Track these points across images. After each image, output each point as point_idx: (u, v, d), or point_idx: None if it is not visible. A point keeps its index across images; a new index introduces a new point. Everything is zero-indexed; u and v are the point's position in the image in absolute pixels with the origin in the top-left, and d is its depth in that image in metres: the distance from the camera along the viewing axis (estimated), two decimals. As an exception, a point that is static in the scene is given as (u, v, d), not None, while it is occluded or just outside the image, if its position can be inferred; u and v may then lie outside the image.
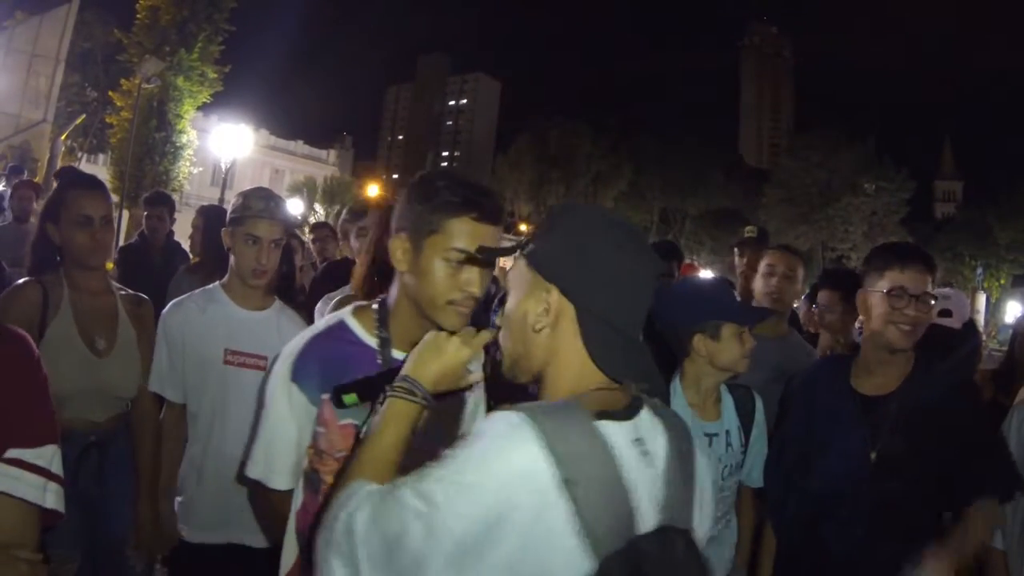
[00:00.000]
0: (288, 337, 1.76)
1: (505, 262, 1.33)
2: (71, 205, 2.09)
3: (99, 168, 22.13)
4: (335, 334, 1.43)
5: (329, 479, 1.39)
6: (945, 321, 2.69)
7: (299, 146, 41.68)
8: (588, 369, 1.01)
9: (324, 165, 41.70)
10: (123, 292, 2.28)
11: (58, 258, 2.15)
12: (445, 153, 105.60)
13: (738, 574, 2.11)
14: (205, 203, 4.89)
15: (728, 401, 2.08)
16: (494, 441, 0.89)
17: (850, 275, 3.21)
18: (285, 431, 1.39)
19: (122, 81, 18.86)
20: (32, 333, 1.97)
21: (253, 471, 1.43)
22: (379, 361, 1.40)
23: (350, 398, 1.25)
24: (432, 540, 0.85)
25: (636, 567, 0.89)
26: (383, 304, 1.45)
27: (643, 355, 1.05)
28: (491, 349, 1.24)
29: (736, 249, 3.70)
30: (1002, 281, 41.03)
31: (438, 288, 1.31)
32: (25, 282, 2.11)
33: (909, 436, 1.85)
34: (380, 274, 1.94)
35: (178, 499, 2.14)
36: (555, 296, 1.02)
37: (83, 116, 23.58)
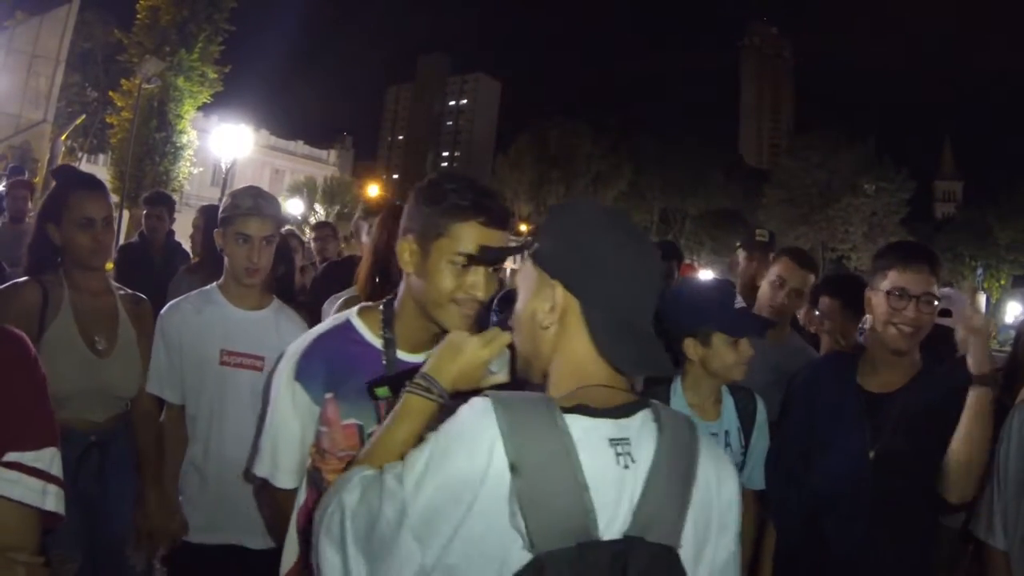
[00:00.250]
0: (287, 337, 1.76)
1: (510, 263, 1.33)
2: (73, 206, 2.09)
3: (99, 168, 22.12)
4: (340, 334, 1.44)
5: (331, 478, 1.38)
6: (945, 321, 2.68)
7: (299, 146, 41.69)
8: (591, 365, 1.01)
9: (324, 165, 41.70)
10: (122, 292, 2.28)
11: (58, 259, 2.14)
12: (445, 153, 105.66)
13: None
14: (205, 203, 4.88)
15: (729, 402, 2.08)
16: (461, 424, 0.93)
17: (850, 282, 3.19)
18: (289, 430, 1.40)
19: (122, 81, 18.87)
20: (31, 333, 1.97)
21: (260, 469, 1.44)
22: (384, 362, 1.41)
23: (382, 391, 1.28)
24: (402, 517, 0.90)
25: (582, 572, 0.86)
26: (389, 305, 1.46)
27: (652, 343, 1.05)
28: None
29: (743, 250, 3.61)
30: (1002, 281, 41.04)
31: (443, 290, 1.32)
32: (23, 282, 2.11)
33: (909, 435, 1.85)
34: (381, 275, 1.94)
35: (179, 498, 2.13)
36: (560, 292, 1.02)
37: (83, 116, 23.59)
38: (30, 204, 5.72)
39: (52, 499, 1.08)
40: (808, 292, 2.69)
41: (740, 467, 2.06)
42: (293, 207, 31.70)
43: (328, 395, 1.37)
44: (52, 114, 19.53)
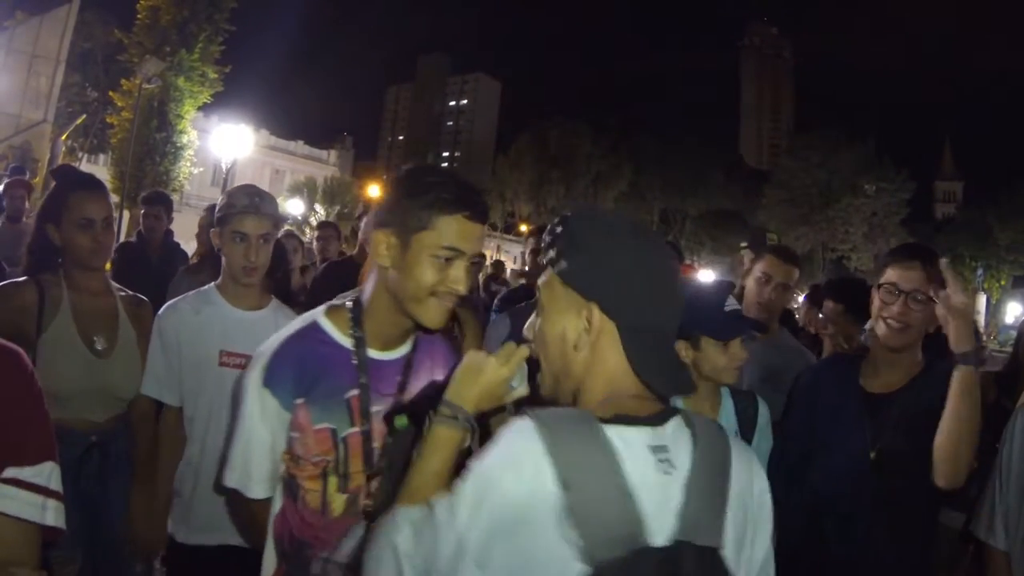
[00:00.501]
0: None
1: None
2: (73, 207, 2.08)
3: (100, 168, 22.13)
4: (308, 335, 1.40)
5: (307, 484, 1.38)
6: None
7: (299, 146, 41.70)
8: (622, 379, 1.02)
9: (324, 165, 41.70)
10: (123, 293, 2.27)
11: (58, 259, 2.13)
12: (445, 153, 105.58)
13: None
14: (205, 203, 4.88)
15: (728, 405, 2.06)
16: (504, 447, 0.92)
17: (854, 285, 3.19)
18: (260, 438, 1.36)
19: (122, 81, 18.88)
20: (28, 333, 1.97)
21: (231, 479, 1.40)
22: (354, 362, 1.39)
23: (401, 420, 1.28)
24: (461, 548, 0.90)
25: None
26: (357, 302, 1.43)
27: (680, 364, 1.07)
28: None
29: (750, 251, 3.60)
30: (1002, 282, 41.07)
31: (424, 284, 1.30)
32: (20, 281, 2.10)
33: (910, 435, 1.85)
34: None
35: (176, 499, 2.12)
36: (596, 313, 1.01)
37: (84, 116, 23.60)
38: (28, 204, 5.71)
39: (52, 513, 1.08)
40: (793, 286, 2.70)
41: None
42: (293, 207, 31.72)
43: (299, 401, 1.35)
44: (52, 114, 19.52)
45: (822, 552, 1.96)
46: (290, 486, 1.40)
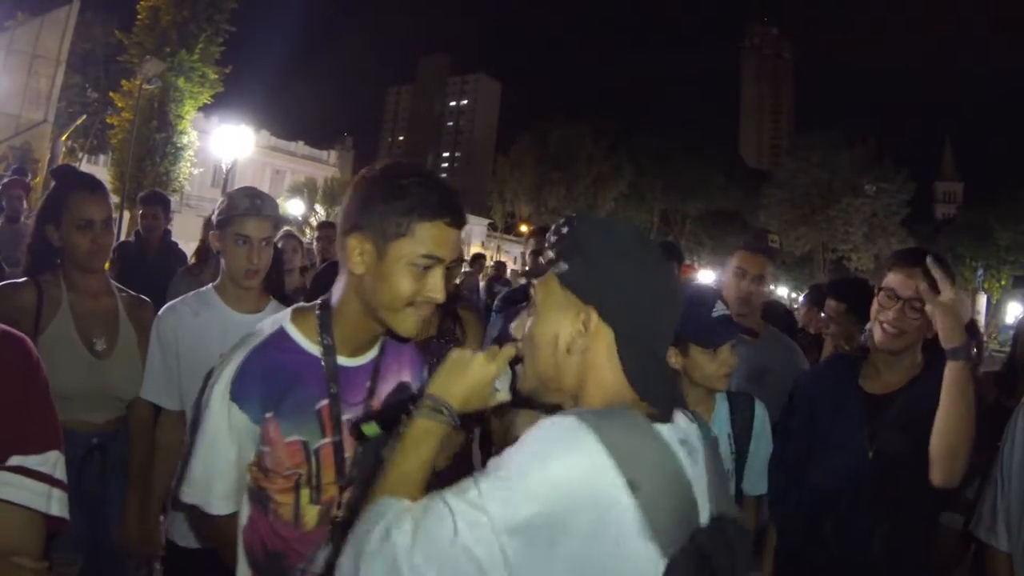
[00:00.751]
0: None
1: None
2: (72, 208, 2.07)
3: (100, 169, 22.14)
4: (275, 343, 1.34)
5: (278, 498, 1.34)
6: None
7: (300, 147, 41.72)
8: (621, 388, 1.01)
9: (325, 166, 41.73)
10: (124, 293, 2.26)
11: (57, 259, 2.13)
12: (446, 154, 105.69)
13: None
14: (206, 204, 4.88)
15: (723, 409, 2.05)
16: (550, 445, 0.87)
17: (856, 286, 3.19)
18: (224, 453, 1.30)
19: (123, 82, 18.86)
20: (27, 333, 1.96)
21: (189, 496, 1.34)
22: (323, 369, 1.33)
23: (370, 428, 1.20)
24: (489, 547, 0.82)
25: (701, 557, 0.90)
26: (326, 307, 1.36)
27: (675, 383, 1.08)
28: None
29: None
30: (1003, 282, 41.05)
31: (401, 293, 1.24)
32: (19, 282, 2.09)
33: (909, 435, 1.85)
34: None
35: (175, 502, 2.11)
36: (594, 318, 1.00)
37: (84, 117, 23.58)
38: (26, 204, 5.71)
39: (57, 503, 1.07)
40: (767, 277, 2.72)
41: (728, 474, 2.01)
42: (293, 208, 31.74)
43: (268, 414, 1.30)
44: (52, 115, 19.51)
45: (822, 552, 1.96)
46: (259, 497, 1.35)
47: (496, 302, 3.89)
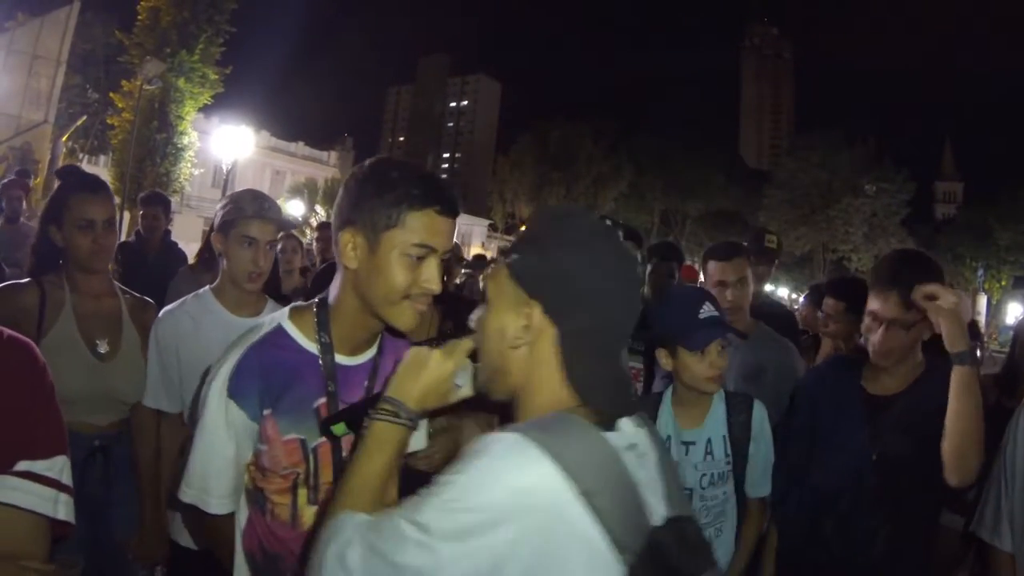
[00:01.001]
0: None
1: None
2: (73, 208, 2.07)
3: (100, 169, 22.08)
4: (272, 341, 1.33)
5: (275, 498, 1.34)
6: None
7: (300, 147, 41.65)
8: (564, 390, 0.97)
9: (325, 167, 41.67)
10: (127, 295, 2.25)
11: (60, 260, 2.13)
12: (446, 154, 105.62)
13: None
14: (206, 204, 4.89)
15: (719, 410, 2.05)
16: (494, 461, 0.85)
17: (856, 284, 3.19)
18: (222, 452, 1.30)
19: (123, 82, 18.84)
20: (28, 334, 1.96)
21: (188, 495, 1.34)
22: (321, 366, 1.33)
23: (339, 428, 1.20)
24: (440, 570, 0.82)
25: (660, 557, 0.89)
26: (323, 305, 1.36)
27: (624, 384, 1.02)
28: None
29: (752, 257, 3.56)
30: (1003, 283, 41.00)
31: (396, 285, 1.23)
32: (22, 282, 2.09)
33: (911, 436, 1.86)
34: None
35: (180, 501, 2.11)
36: (537, 314, 0.96)
37: (84, 117, 23.57)
38: (26, 205, 5.71)
39: (63, 508, 1.08)
40: (749, 277, 2.61)
41: (723, 476, 2.02)
42: (294, 208, 31.68)
43: (266, 412, 1.29)
44: (53, 115, 19.49)
45: (823, 553, 1.96)
46: (256, 499, 1.35)
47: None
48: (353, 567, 0.88)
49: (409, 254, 1.23)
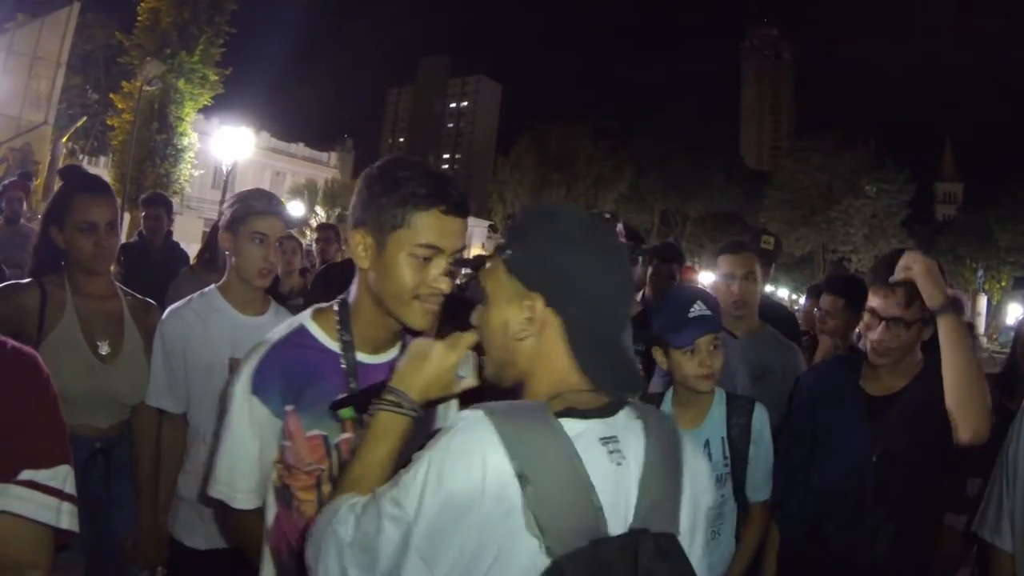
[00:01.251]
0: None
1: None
2: (75, 210, 2.06)
3: (100, 170, 22.08)
4: (295, 340, 1.36)
5: (301, 495, 1.34)
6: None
7: (300, 148, 41.65)
8: (570, 373, 1.01)
9: (325, 168, 41.68)
10: (129, 297, 2.24)
11: (61, 261, 2.12)
12: (446, 155, 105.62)
13: None
14: (206, 205, 4.90)
15: (719, 412, 2.05)
16: (455, 439, 0.91)
17: (853, 282, 3.19)
18: (247, 448, 1.32)
19: (123, 83, 18.85)
20: (29, 335, 1.96)
21: (216, 490, 1.36)
22: (343, 365, 1.35)
23: (346, 412, 1.23)
24: (407, 540, 0.89)
25: (599, 568, 0.88)
26: (344, 305, 1.38)
27: (629, 364, 1.05)
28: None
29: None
30: (1003, 283, 41.04)
31: (404, 285, 1.25)
32: (22, 283, 2.09)
33: (911, 436, 1.86)
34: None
35: (184, 504, 2.10)
36: (539, 305, 1.01)
37: (84, 118, 23.60)
38: (26, 206, 5.72)
39: (66, 517, 1.08)
40: (758, 274, 2.65)
41: (721, 478, 2.02)
42: (294, 209, 31.65)
43: (288, 407, 1.31)
44: (53, 116, 19.50)
45: (825, 553, 1.96)
46: (284, 496, 1.36)
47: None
48: (344, 542, 0.94)
49: (416, 255, 1.24)
